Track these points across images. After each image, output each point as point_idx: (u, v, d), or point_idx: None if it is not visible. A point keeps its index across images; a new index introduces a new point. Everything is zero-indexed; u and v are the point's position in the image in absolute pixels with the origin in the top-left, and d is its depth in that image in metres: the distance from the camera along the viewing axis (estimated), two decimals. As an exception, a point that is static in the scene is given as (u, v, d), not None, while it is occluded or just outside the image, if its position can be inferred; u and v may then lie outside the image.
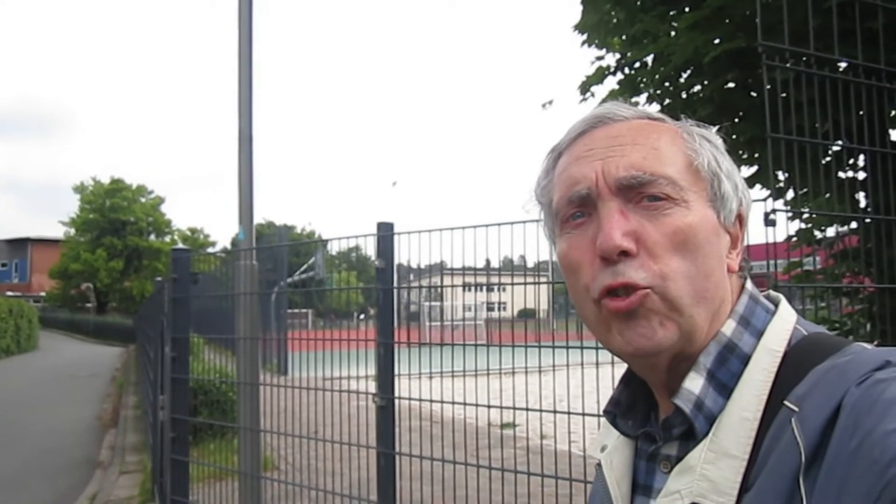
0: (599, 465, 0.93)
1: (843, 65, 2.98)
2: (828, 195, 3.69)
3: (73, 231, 51.99)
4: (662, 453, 0.83)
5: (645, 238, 0.77)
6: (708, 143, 0.85)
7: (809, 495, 0.65)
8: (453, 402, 3.18)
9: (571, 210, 0.82)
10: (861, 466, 0.61)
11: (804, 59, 2.64)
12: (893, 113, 3.71)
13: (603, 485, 0.90)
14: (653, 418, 0.88)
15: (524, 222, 2.79)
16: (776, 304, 0.84)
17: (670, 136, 0.83)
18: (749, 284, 0.86)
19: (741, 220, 0.86)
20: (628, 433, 0.88)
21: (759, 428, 0.73)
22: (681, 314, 0.77)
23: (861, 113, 2.81)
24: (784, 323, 0.81)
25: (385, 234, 3.28)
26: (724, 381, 0.78)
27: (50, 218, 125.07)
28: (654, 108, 4.72)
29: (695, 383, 0.78)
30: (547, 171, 0.89)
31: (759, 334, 0.80)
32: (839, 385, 0.68)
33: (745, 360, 0.79)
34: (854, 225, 3.87)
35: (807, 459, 0.66)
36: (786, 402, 0.71)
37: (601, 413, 0.92)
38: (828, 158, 3.76)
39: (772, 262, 2.74)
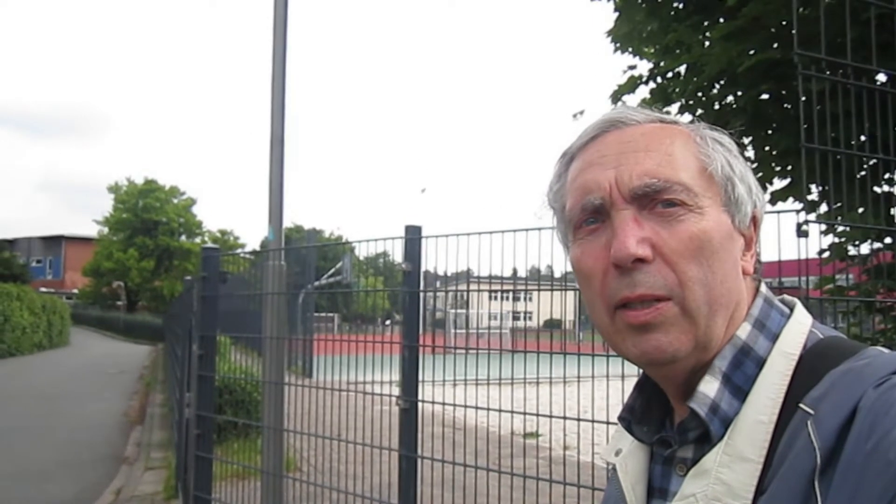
0: (614, 468, 0.92)
1: (880, 77, 2.93)
2: (861, 210, 3.62)
3: (106, 230, 52.87)
4: (678, 456, 0.82)
5: (660, 245, 0.77)
6: (721, 147, 0.84)
7: (825, 497, 0.65)
8: (477, 407, 3.18)
9: (585, 216, 0.82)
10: (876, 468, 0.61)
11: (840, 70, 2.61)
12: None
13: (617, 489, 0.89)
14: (668, 424, 0.88)
15: (553, 228, 2.78)
16: (791, 309, 0.84)
17: (683, 140, 0.83)
18: (763, 287, 0.85)
19: (755, 222, 0.86)
20: (643, 440, 0.87)
21: (775, 431, 0.73)
22: (697, 324, 0.77)
23: (897, 127, 2.76)
24: (800, 326, 0.80)
25: (413, 237, 3.30)
26: (740, 384, 0.78)
27: (84, 217, 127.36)
28: (686, 118, 4.67)
29: (710, 387, 0.78)
30: (559, 175, 0.89)
31: (774, 337, 0.80)
32: (856, 388, 0.68)
33: (761, 363, 0.78)
34: (889, 240, 3.80)
35: (822, 462, 0.66)
36: (801, 405, 0.71)
37: (617, 418, 0.92)
38: (863, 172, 3.70)
39: (803, 277, 2.70)
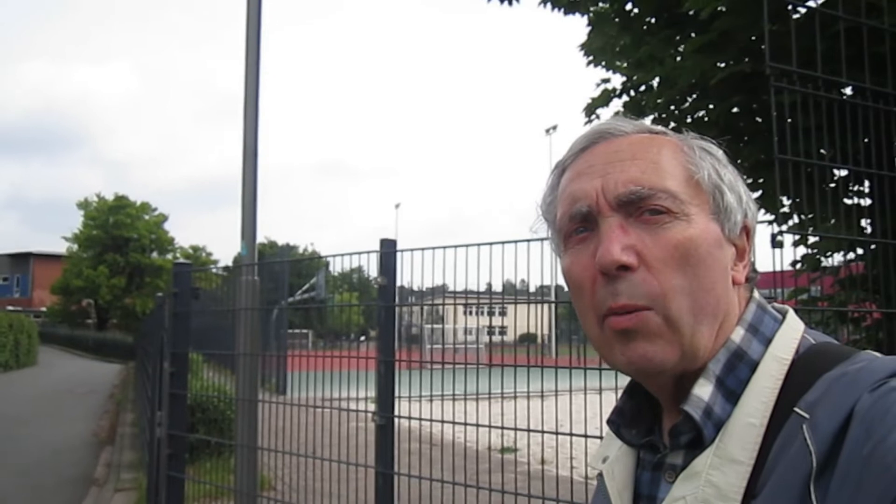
0: (601, 475, 0.92)
1: (848, 91, 2.97)
2: (832, 221, 3.67)
3: (75, 247, 51.99)
4: (668, 463, 0.82)
5: (645, 253, 0.77)
6: (709, 156, 0.85)
7: (821, 502, 0.64)
8: (454, 423, 3.15)
9: (574, 226, 0.83)
10: (873, 473, 0.61)
11: (810, 83, 2.64)
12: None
13: (604, 495, 0.89)
14: (657, 430, 0.88)
15: (528, 241, 2.77)
16: (783, 315, 0.84)
17: (671, 149, 0.83)
18: (756, 294, 0.85)
19: (747, 231, 0.86)
20: (632, 442, 0.87)
21: (766, 434, 0.73)
22: (682, 334, 0.76)
23: (867, 140, 2.79)
24: (792, 332, 0.81)
25: (388, 250, 3.27)
26: (733, 387, 0.78)
27: (52, 233, 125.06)
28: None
29: (704, 390, 0.78)
30: (552, 187, 0.90)
31: (767, 342, 0.80)
32: (851, 392, 0.68)
33: (754, 367, 0.78)
34: (860, 251, 3.85)
35: (818, 466, 0.65)
36: (796, 409, 0.71)
37: (606, 422, 0.91)
38: (832, 184, 3.75)
39: (778, 289, 2.72)
